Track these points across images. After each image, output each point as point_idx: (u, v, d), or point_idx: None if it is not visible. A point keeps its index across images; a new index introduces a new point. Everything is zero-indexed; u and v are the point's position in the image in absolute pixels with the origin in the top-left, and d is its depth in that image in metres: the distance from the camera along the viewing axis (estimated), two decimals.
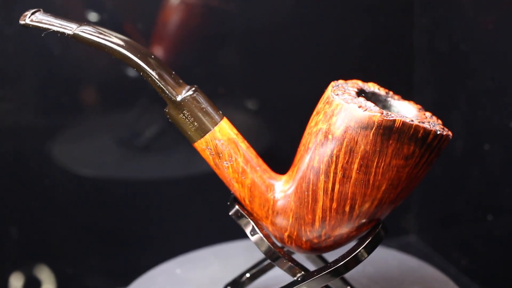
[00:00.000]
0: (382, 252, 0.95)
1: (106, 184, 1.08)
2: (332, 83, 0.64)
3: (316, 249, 0.66)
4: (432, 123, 0.59)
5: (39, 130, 1.03)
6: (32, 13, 0.68)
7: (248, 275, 0.82)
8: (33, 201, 1.05)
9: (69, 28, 0.67)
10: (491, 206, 1.01)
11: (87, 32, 0.66)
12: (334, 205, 0.61)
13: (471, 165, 1.04)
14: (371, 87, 0.66)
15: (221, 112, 0.69)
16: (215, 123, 0.67)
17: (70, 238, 1.09)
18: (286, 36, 1.10)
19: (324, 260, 0.78)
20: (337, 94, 0.61)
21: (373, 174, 0.59)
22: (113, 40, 0.66)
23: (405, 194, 0.61)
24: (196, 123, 0.67)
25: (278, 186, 0.67)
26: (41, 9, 0.69)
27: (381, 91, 0.66)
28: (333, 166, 0.60)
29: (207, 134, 0.67)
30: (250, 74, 1.11)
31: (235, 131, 0.69)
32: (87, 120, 1.08)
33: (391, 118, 0.56)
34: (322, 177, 0.61)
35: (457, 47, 1.04)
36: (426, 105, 1.14)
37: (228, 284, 0.82)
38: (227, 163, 0.67)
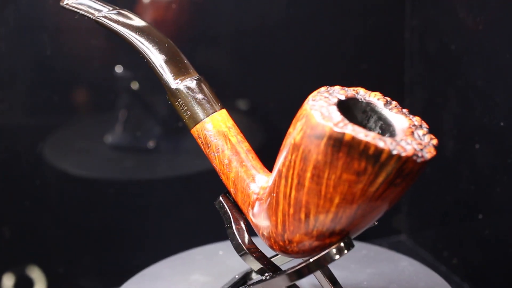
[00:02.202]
0: (373, 251, 0.95)
1: (98, 184, 1.08)
2: (321, 88, 0.63)
3: (285, 252, 0.65)
4: (410, 142, 0.56)
5: (31, 131, 1.03)
6: None
7: None
8: (25, 201, 1.05)
9: (97, 12, 0.73)
10: (481, 206, 1.01)
11: (107, 18, 0.72)
12: (291, 210, 0.60)
13: (461, 164, 1.04)
14: (372, 96, 0.64)
15: (220, 104, 0.70)
16: (207, 114, 0.69)
17: (62, 238, 1.09)
18: (277, 37, 1.10)
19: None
20: (314, 99, 0.60)
21: (324, 185, 0.57)
22: (127, 27, 0.71)
23: (367, 212, 0.59)
24: (188, 112, 0.69)
25: (260, 183, 0.67)
26: None
27: (380, 101, 0.63)
28: (291, 172, 0.59)
29: (198, 124, 0.69)
30: (242, 74, 1.11)
31: (230, 124, 0.69)
32: (79, 120, 1.08)
33: (340, 131, 0.55)
34: (283, 181, 0.60)
35: (447, 48, 1.04)
36: (417, 106, 1.15)
37: (238, 274, 0.83)
38: (214, 154, 0.68)
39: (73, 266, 1.11)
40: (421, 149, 0.56)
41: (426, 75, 1.12)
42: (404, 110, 0.63)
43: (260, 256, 0.68)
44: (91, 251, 1.11)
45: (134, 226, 1.12)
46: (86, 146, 1.10)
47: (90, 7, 0.74)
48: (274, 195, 0.62)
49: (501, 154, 0.95)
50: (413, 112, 1.14)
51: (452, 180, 1.08)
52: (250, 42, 1.10)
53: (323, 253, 0.61)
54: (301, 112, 0.59)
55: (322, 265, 0.62)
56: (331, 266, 0.76)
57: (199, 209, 1.12)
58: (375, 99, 0.63)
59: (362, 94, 0.64)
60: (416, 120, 0.61)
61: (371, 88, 1.16)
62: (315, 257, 0.62)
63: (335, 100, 0.60)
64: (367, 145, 0.54)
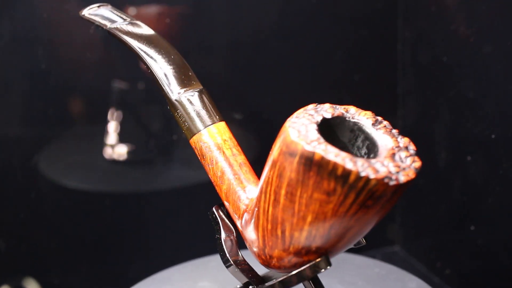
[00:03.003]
0: (367, 262, 0.95)
1: (93, 196, 1.09)
2: (310, 105, 0.62)
3: (268, 266, 0.65)
4: (387, 164, 0.55)
5: (26, 143, 1.04)
6: (98, 7, 0.77)
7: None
8: (20, 213, 1.05)
9: (110, 23, 0.75)
10: (473, 216, 1.02)
11: (117, 29, 0.74)
12: (269, 226, 0.60)
13: (454, 175, 1.05)
14: (362, 115, 0.62)
15: (218, 117, 0.70)
16: (204, 126, 0.69)
17: (58, 250, 1.09)
18: (270, 48, 1.11)
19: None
20: (297, 117, 0.59)
21: (297, 203, 0.57)
22: (135, 38, 0.73)
23: (341, 232, 0.58)
24: (186, 123, 0.70)
25: (250, 195, 0.67)
26: (108, 4, 0.78)
27: (369, 121, 0.62)
28: (269, 188, 0.59)
29: (194, 135, 0.69)
30: (235, 85, 1.12)
31: (226, 136, 0.70)
32: (74, 132, 1.08)
33: (311, 150, 0.54)
34: (263, 196, 0.60)
35: (439, 59, 1.05)
36: (409, 117, 1.16)
37: (239, 284, 0.83)
38: (209, 166, 0.69)
39: (69, 278, 1.11)
40: (397, 172, 0.55)
41: (418, 86, 1.13)
42: (394, 131, 0.61)
43: (246, 269, 0.68)
44: (87, 263, 1.11)
45: (129, 238, 1.12)
46: (81, 158, 1.10)
47: (104, 18, 0.76)
48: (257, 209, 0.62)
49: (492, 165, 0.96)
50: (405, 123, 1.16)
51: (444, 191, 1.08)
52: (243, 53, 1.10)
53: (295, 271, 0.61)
54: (282, 129, 0.59)
55: (297, 282, 0.62)
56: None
57: (195, 221, 1.12)
58: (364, 118, 0.62)
59: (352, 112, 0.63)
60: (404, 141, 0.60)
61: (364, 99, 1.18)
62: (287, 275, 0.62)
63: (319, 118, 0.59)
64: (335, 165, 0.53)
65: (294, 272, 0.61)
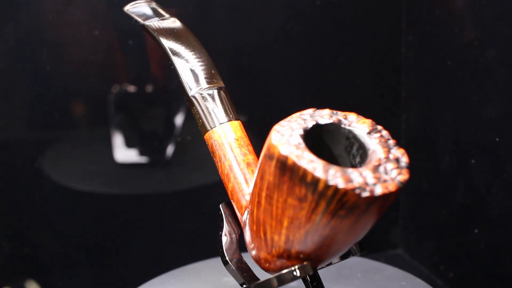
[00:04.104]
0: (370, 265, 0.95)
1: (96, 198, 1.09)
2: (307, 110, 0.62)
3: (260, 267, 0.65)
4: (365, 174, 0.54)
5: (30, 145, 1.04)
6: (144, 2, 0.81)
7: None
8: (24, 215, 1.05)
9: (144, 19, 0.78)
10: (477, 220, 1.02)
11: (150, 26, 0.77)
12: (255, 227, 0.61)
13: (457, 179, 1.05)
14: (361, 123, 0.61)
15: (233, 115, 0.71)
16: (218, 123, 0.70)
17: (61, 253, 1.09)
18: (274, 53, 1.11)
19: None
20: (289, 121, 0.59)
21: (275, 206, 0.57)
22: (164, 35, 0.75)
23: (318, 240, 0.57)
24: (200, 120, 0.71)
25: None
26: (152, 1, 0.81)
27: (365, 129, 0.60)
28: (255, 189, 0.59)
29: (207, 132, 0.70)
30: (238, 90, 1.12)
31: (238, 135, 0.70)
32: (78, 135, 1.08)
33: (285, 154, 0.54)
34: (251, 197, 0.61)
35: (443, 63, 1.05)
36: (413, 121, 1.16)
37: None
38: (218, 163, 0.69)
39: (71, 281, 1.11)
40: (375, 184, 0.53)
41: (422, 90, 1.13)
42: (391, 141, 0.59)
43: (244, 268, 0.68)
44: (90, 266, 1.11)
45: (132, 240, 1.12)
46: (85, 161, 1.10)
47: (141, 13, 0.79)
48: (248, 210, 0.62)
49: (496, 169, 0.96)
50: (409, 126, 1.15)
51: (448, 194, 1.08)
52: (246, 56, 1.10)
53: (273, 275, 0.61)
54: (270, 131, 0.59)
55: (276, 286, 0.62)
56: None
57: (198, 224, 1.12)
58: (362, 126, 0.61)
59: (351, 119, 0.61)
60: (397, 153, 0.58)
61: (368, 103, 1.18)
62: (263, 280, 0.62)
63: (312, 124, 0.59)
64: (305, 172, 0.53)
65: (271, 277, 0.61)
